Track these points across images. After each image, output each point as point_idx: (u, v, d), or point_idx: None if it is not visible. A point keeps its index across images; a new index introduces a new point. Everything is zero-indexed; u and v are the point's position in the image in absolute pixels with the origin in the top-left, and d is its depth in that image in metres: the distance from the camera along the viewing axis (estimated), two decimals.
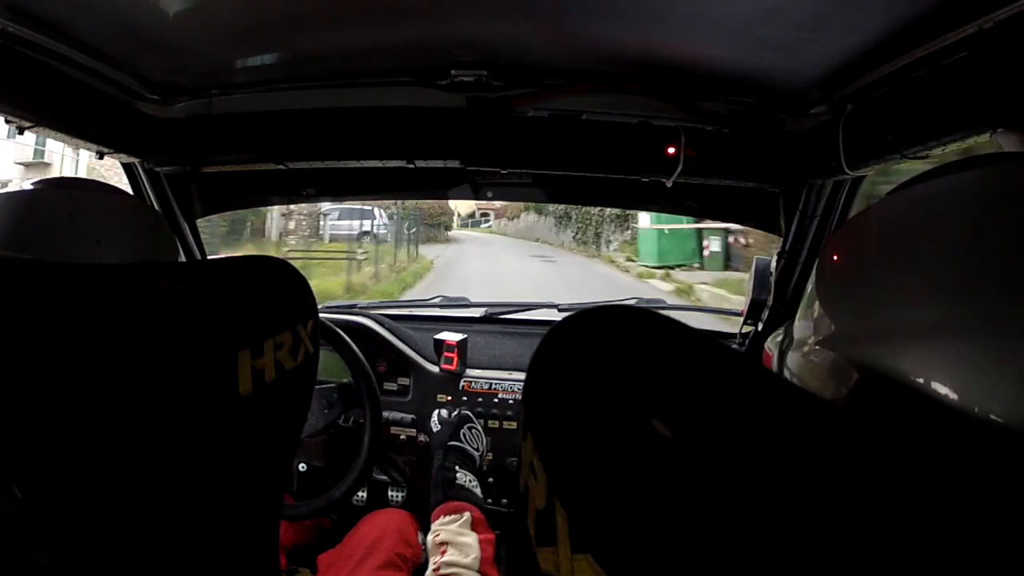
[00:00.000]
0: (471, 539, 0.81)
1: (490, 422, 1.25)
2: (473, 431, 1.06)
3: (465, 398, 1.27)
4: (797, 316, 0.42)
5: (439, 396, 1.28)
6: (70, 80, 0.85)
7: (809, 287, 0.39)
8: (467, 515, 0.85)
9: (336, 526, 1.26)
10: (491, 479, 1.24)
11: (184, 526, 0.38)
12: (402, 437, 1.26)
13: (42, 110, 0.80)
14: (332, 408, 1.22)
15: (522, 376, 1.31)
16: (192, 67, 0.93)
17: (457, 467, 0.95)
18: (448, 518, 0.84)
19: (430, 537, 0.83)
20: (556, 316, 1.56)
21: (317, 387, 1.22)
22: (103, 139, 0.94)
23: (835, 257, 0.38)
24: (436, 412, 1.11)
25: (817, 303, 0.36)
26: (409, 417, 1.27)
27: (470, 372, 1.30)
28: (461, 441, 1.03)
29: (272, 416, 0.43)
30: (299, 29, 0.81)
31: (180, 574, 0.38)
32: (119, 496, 0.35)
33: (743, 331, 1.27)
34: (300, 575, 1.06)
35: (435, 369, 1.31)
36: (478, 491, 0.95)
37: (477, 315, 1.55)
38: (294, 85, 1.01)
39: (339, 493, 1.08)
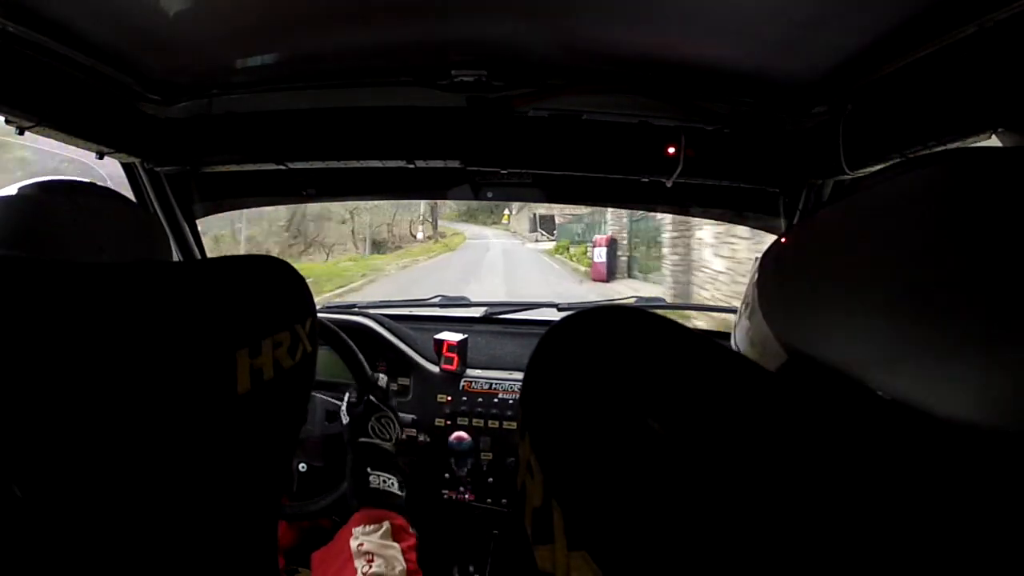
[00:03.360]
0: (395, 551, 0.81)
1: (490, 422, 1.25)
2: (383, 420, 0.98)
3: (465, 398, 1.27)
4: (737, 319, 0.42)
5: (439, 396, 1.28)
6: (70, 80, 0.85)
7: (750, 291, 0.38)
8: (386, 524, 0.84)
9: (335, 526, 1.26)
10: (491, 479, 1.24)
11: (182, 526, 0.38)
12: (402, 437, 1.26)
13: (42, 110, 0.80)
14: (332, 425, 1.21)
15: (522, 376, 1.31)
16: (192, 67, 0.93)
17: (368, 469, 0.91)
18: (369, 527, 0.84)
19: (353, 543, 0.83)
20: (555, 316, 1.56)
21: (324, 398, 1.21)
22: (103, 139, 0.94)
23: (775, 259, 0.38)
24: (346, 395, 1.03)
25: (758, 304, 0.36)
26: (409, 417, 1.27)
27: (470, 372, 1.30)
28: (370, 435, 0.96)
29: (271, 415, 0.43)
30: (299, 29, 0.81)
31: (178, 574, 0.38)
32: (117, 495, 0.35)
33: None
34: (300, 575, 1.05)
35: (435, 369, 1.31)
36: (395, 488, 0.92)
37: (477, 315, 1.55)
38: (294, 85, 1.01)
39: (338, 494, 1.08)
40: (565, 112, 1.02)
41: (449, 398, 1.27)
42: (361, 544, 0.81)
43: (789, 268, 0.35)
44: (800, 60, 0.80)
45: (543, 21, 0.77)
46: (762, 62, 0.82)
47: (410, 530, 0.86)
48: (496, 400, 1.26)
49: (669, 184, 1.04)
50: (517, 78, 0.96)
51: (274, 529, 0.51)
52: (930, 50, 0.65)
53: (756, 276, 0.37)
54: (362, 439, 0.96)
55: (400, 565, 0.79)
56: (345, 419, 1.00)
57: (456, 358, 1.28)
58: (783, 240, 0.38)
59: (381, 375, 1.06)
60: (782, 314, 0.32)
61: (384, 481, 0.91)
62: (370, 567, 0.78)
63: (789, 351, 0.30)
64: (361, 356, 1.13)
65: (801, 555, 0.18)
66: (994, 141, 0.60)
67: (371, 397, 1.01)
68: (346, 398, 1.02)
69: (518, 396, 1.24)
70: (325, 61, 0.92)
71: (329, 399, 1.21)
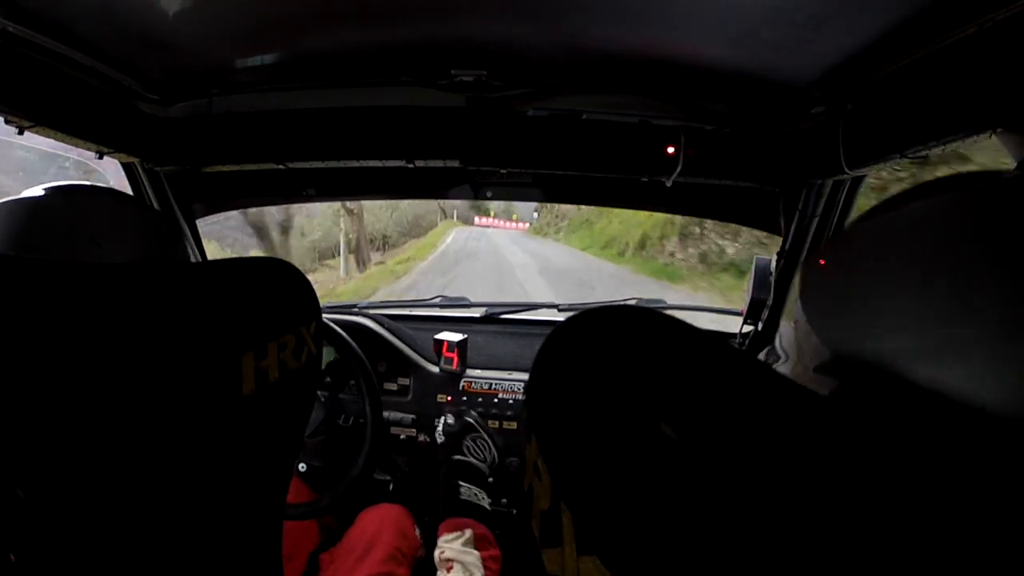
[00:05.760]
0: (474, 558, 0.82)
1: (490, 422, 1.24)
2: (478, 441, 1.03)
3: (465, 398, 1.27)
4: (780, 328, 0.42)
5: (439, 396, 1.28)
6: (70, 80, 0.84)
7: (794, 301, 0.39)
8: (469, 532, 0.86)
9: (339, 525, 1.27)
10: (491, 479, 1.24)
11: (187, 525, 0.38)
12: (402, 437, 1.26)
13: (42, 110, 0.80)
14: (330, 392, 1.23)
15: (522, 376, 1.31)
16: (192, 67, 0.93)
17: (461, 482, 0.95)
18: (452, 535, 0.85)
19: (436, 552, 0.85)
20: (556, 316, 1.56)
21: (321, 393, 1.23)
22: (103, 139, 0.94)
23: (822, 272, 0.38)
24: (442, 419, 1.07)
25: (804, 317, 0.37)
26: (409, 417, 1.27)
27: (470, 372, 1.30)
28: (465, 454, 1.01)
29: (275, 416, 0.43)
30: (299, 29, 0.81)
31: (183, 573, 0.38)
32: (123, 496, 0.35)
33: (743, 331, 1.27)
34: None
35: (435, 369, 1.31)
36: (485, 503, 0.94)
37: (477, 315, 1.55)
38: (294, 85, 1.01)
39: (339, 493, 1.09)
40: (565, 112, 1.02)
41: (449, 398, 1.27)
42: (443, 552, 0.84)
43: (840, 286, 0.35)
44: (800, 60, 0.80)
45: (543, 21, 0.77)
46: (762, 62, 0.82)
47: (494, 541, 0.88)
48: (496, 400, 1.26)
49: (669, 184, 1.04)
50: (517, 78, 0.96)
51: (278, 528, 0.51)
52: (930, 50, 0.65)
53: (800, 299, 0.38)
54: (456, 456, 1.00)
55: (479, 571, 0.80)
56: (440, 439, 1.04)
57: (456, 358, 1.28)
58: (827, 260, 0.38)
59: (473, 412, 1.10)
60: (837, 332, 0.33)
61: (476, 494, 0.95)
62: (448, 573, 0.80)
63: (848, 364, 0.31)
64: (363, 356, 1.13)
65: (816, 564, 0.18)
66: (994, 141, 0.61)
67: (469, 419, 1.07)
68: (443, 420, 1.07)
69: (518, 396, 1.24)
70: (325, 61, 0.92)
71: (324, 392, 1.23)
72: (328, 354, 1.23)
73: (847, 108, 0.84)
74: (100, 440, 0.33)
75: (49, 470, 0.32)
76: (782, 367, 0.40)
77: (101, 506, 0.34)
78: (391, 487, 1.29)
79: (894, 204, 0.36)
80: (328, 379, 1.26)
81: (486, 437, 1.05)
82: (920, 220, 0.32)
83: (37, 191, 0.63)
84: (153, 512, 0.36)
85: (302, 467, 1.25)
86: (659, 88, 0.95)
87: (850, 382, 0.30)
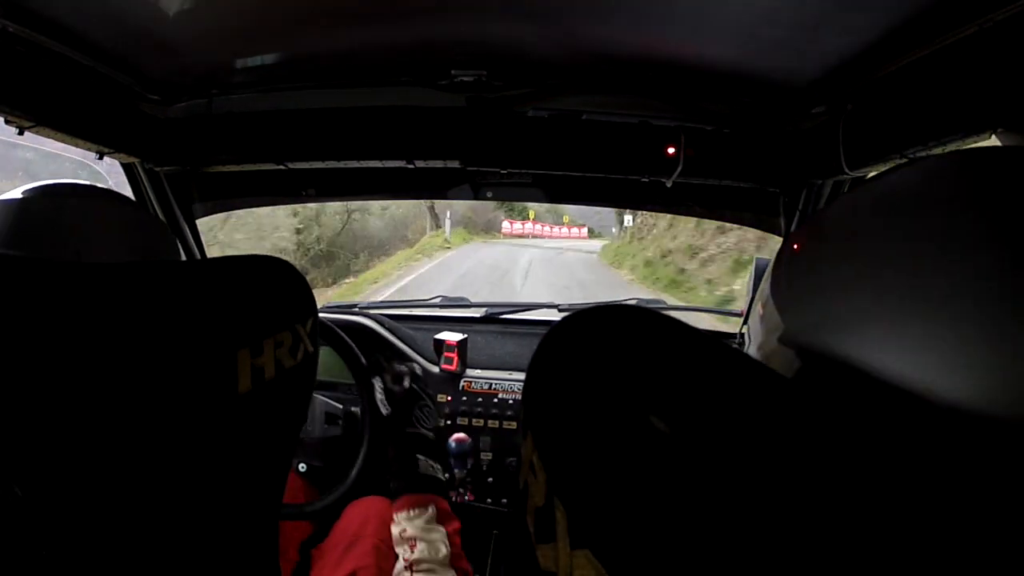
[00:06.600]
0: (439, 534, 0.80)
1: (490, 422, 1.25)
2: (425, 409, 0.98)
3: (465, 398, 1.27)
4: (750, 316, 0.43)
5: (439, 396, 1.28)
6: (70, 80, 0.85)
7: (764, 287, 0.39)
8: (431, 509, 0.83)
9: (328, 519, 1.26)
10: (491, 479, 1.24)
11: (183, 524, 0.38)
12: (440, 425, 1.26)
13: (42, 110, 0.80)
14: (331, 427, 1.22)
15: (522, 376, 1.31)
16: (192, 67, 0.93)
17: (419, 455, 0.91)
18: (414, 512, 0.82)
19: (395, 529, 0.81)
20: (556, 316, 1.55)
21: (324, 400, 1.22)
22: (103, 139, 0.94)
23: (790, 258, 0.38)
24: (377, 384, 0.98)
25: (772, 302, 0.37)
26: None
27: (470, 372, 1.30)
28: (415, 425, 0.95)
29: (271, 414, 0.43)
30: (299, 29, 0.81)
31: (179, 572, 0.38)
32: (119, 494, 0.35)
33: (743, 331, 1.27)
34: None
35: (435, 369, 1.31)
36: (440, 474, 0.91)
37: (477, 315, 1.55)
38: (294, 85, 1.01)
39: (338, 494, 1.08)
40: (565, 112, 1.02)
41: (449, 398, 1.27)
42: (404, 530, 0.80)
43: (803, 268, 0.35)
44: (800, 60, 0.80)
45: (543, 21, 0.77)
46: (762, 62, 0.82)
47: (453, 514, 0.86)
48: (496, 400, 1.26)
49: (669, 184, 1.04)
50: (517, 78, 0.96)
51: (275, 527, 0.51)
52: (930, 50, 0.65)
53: (769, 279, 0.38)
54: (409, 429, 0.94)
55: (444, 549, 0.78)
56: (386, 409, 0.96)
57: (456, 358, 1.28)
58: (795, 244, 0.38)
59: (416, 364, 1.04)
60: (799, 314, 0.33)
61: (432, 466, 0.91)
62: (412, 552, 0.77)
63: (807, 352, 0.31)
64: (361, 356, 1.13)
65: (805, 555, 0.18)
66: (994, 141, 0.61)
67: (415, 386, 0.99)
68: (376, 387, 0.99)
69: (518, 396, 1.24)
70: (325, 61, 0.92)
71: (329, 401, 1.21)
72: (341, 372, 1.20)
73: (847, 108, 0.84)
74: (96, 438, 0.33)
75: (46, 468, 0.32)
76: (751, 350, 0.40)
77: (97, 504, 0.34)
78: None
79: (859, 185, 0.37)
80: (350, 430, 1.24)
81: (431, 404, 0.99)
82: (881, 196, 0.33)
83: (16, 193, 0.63)
84: (148, 510, 0.36)
85: (302, 467, 1.25)
86: (659, 88, 0.95)
87: (813, 361, 0.31)
